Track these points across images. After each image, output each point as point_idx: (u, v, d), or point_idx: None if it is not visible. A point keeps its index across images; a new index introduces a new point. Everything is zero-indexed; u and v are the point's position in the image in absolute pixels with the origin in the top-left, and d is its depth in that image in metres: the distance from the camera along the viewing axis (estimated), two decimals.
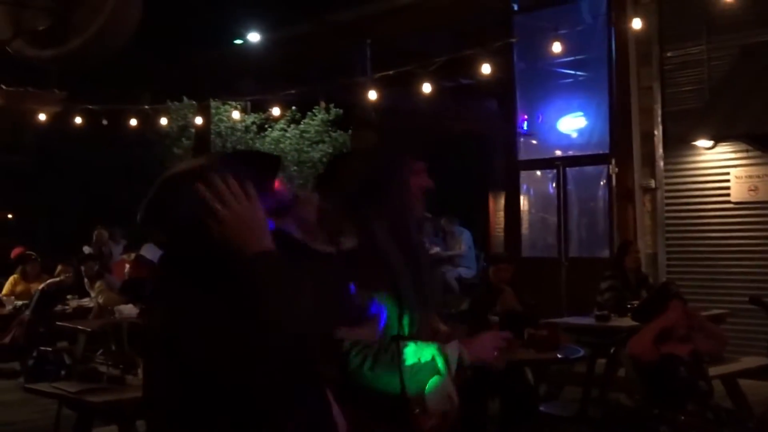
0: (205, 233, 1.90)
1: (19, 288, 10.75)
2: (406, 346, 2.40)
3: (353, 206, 2.51)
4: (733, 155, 9.37)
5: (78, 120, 12.75)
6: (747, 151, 9.25)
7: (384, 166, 2.64)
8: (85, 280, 10.08)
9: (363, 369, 2.34)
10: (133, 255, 10.15)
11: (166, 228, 2.01)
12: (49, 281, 10.06)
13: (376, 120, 12.22)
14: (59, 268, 10.27)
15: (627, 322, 7.12)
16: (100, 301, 9.61)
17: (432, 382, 2.39)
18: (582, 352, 6.19)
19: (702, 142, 9.42)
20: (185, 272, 1.94)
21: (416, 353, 2.41)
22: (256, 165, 2.04)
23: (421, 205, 2.71)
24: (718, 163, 9.48)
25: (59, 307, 9.84)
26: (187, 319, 1.88)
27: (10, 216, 17.90)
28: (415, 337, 2.49)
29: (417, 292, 2.55)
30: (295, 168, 16.57)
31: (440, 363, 2.42)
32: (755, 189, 9.19)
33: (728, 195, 9.38)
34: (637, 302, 7.39)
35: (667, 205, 9.91)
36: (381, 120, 12.20)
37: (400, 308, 2.44)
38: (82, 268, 10.12)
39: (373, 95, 11.01)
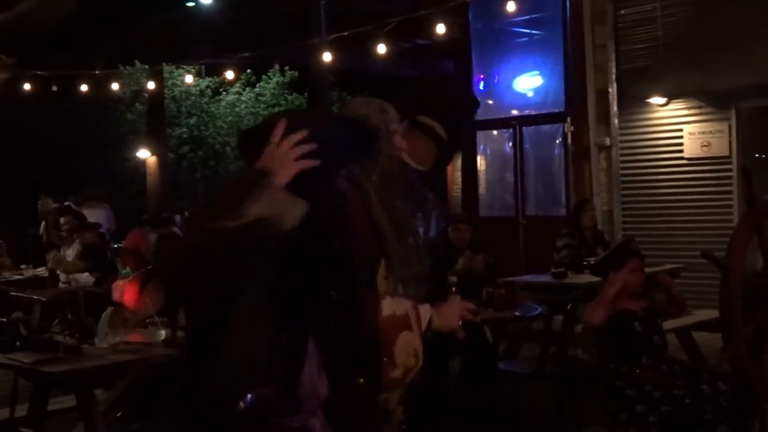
0: None
1: None
2: (383, 298, 2.46)
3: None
4: (686, 112, 9.47)
5: (28, 86, 12.51)
6: (700, 107, 9.35)
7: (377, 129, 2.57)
8: (62, 232, 9.79)
9: None
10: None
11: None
12: None
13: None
14: None
15: (583, 278, 7.22)
16: (59, 270, 9.47)
17: (402, 336, 2.47)
18: (540, 310, 6.26)
19: (656, 99, 9.50)
20: None
21: (391, 306, 2.48)
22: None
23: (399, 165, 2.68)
24: (671, 120, 9.58)
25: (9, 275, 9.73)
26: None
27: None
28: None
29: (401, 257, 2.58)
30: None
31: (412, 320, 2.51)
32: (708, 145, 9.31)
33: (681, 151, 9.50)
34: (593, 259, 7.49)
35: (622, 162, 10.00)
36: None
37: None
38: (61, 220, 9.85)
39: (328, 57, 10.92)
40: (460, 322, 2.75)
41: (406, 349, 2.46)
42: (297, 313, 2.12)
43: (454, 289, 5.72)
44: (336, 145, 2.19)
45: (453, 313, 2.73)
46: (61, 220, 9.76)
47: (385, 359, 2.42)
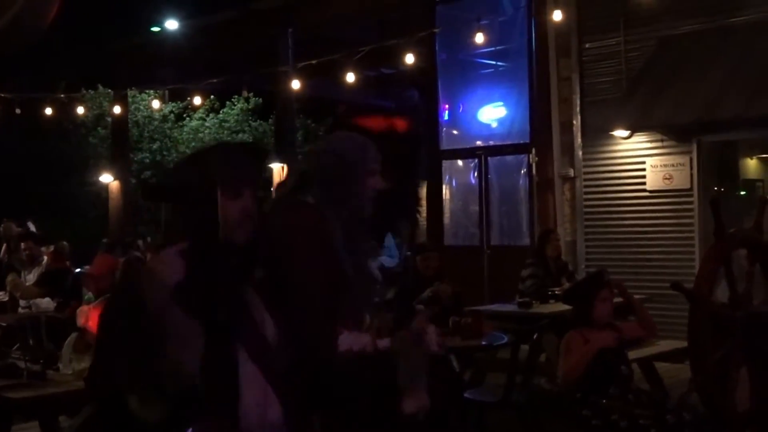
0: None
1: None
2: (341, 333, 2.48)
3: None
4: (649, 144, 9.62)
5: None
6: (662, 140, 9.51)
7: (352, 166, 2.62)
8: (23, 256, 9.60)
9: None
10: (52, 247, 9.88)
11: None
12: None
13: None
14: None
15: (549, 308, 7.27)
16: (17, 294, 9.30)
17: None
18: (506, 339, 6.28)
19: (619, 132, 9.65)
20: None
21: (349, 341, 2.53)
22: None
23: (371, 205, 2.69)
24: (634, 153, 9.72)
25: None
26: None
27: None
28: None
29: (362, 291, 2.60)
30: None
31: None
32: (670, 177, 9.45)
33: (644, 183, 9.63)
34: (558, 289, 7.57)
35: (586, 193, 10.12)
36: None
37: None
38: (22, 245, 9.65)
39: (296, 84, 10.95)
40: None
41: None
42: (224, 337, 2.09)
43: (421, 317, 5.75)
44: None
45: (431, 339, 2.77)
46: (22, 245, 9.61)
47: None
